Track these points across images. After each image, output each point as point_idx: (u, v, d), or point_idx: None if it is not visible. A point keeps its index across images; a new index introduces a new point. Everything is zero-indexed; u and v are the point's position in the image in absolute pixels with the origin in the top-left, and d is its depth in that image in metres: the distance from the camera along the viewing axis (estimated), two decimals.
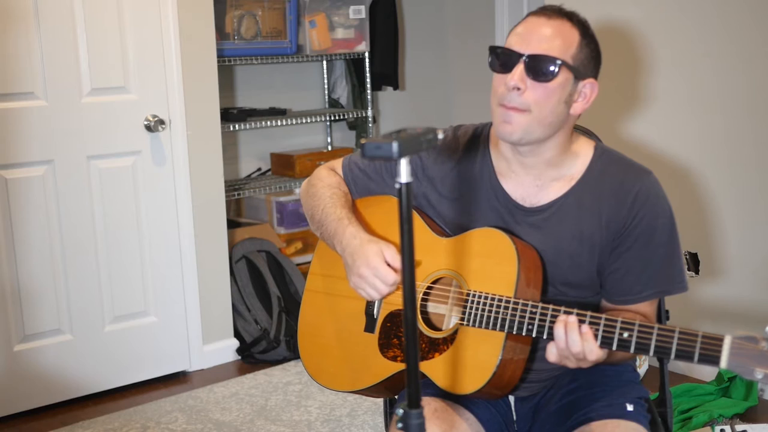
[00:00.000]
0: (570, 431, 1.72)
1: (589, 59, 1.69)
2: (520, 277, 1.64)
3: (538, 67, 1.63)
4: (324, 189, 1.90)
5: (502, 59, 1.67)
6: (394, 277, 1.70)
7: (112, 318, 3.42)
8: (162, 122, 3.41)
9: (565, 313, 1.56)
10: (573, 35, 1.66)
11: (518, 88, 1.64)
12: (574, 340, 1.52)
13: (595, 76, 1.71)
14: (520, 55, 1.64)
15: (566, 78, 1.65)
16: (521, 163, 1.74)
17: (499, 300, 1.63)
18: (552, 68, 1.63)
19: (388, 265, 1.71)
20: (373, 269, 1.71)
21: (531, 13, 1.71)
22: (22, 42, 3.10)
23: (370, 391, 1.85)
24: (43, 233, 3.22)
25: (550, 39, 1.64)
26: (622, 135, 3.39)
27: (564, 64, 1.64)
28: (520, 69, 1.64)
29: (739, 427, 2.74)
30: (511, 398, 1.86)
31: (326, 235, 1.86)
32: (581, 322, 1.54)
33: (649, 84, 3.33)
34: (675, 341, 1.45)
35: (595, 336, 1.52)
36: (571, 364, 1.57)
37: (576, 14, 1.70)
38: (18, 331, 3.21)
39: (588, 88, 1.69)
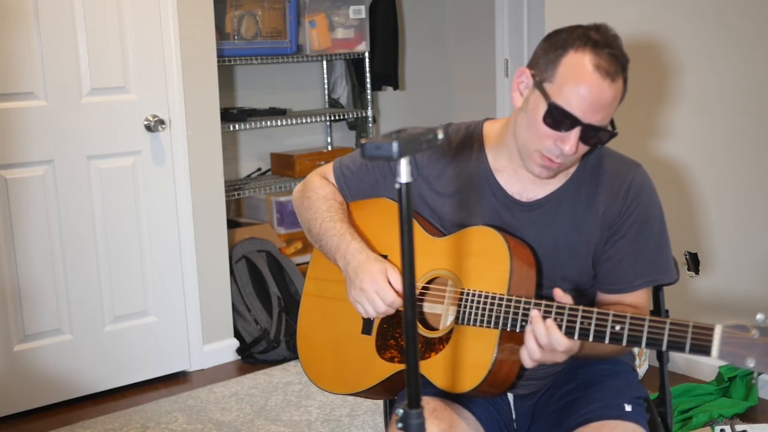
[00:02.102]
0: None
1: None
2: (512, 274, 1.65)
3: (593, 136, 1.63)
4: (320, 201, 1.90)
5: (558, 118, 1.62)
6: (393, 298, 1.72)
7: (112, 318, 3.42)
8: (162, 122, 3.41)
9: (559, 307, 1.56)
10: (621, 90, 1.65)
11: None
12: (540, 333, 1.54)
13: None
14: (579, 123, 1.61)
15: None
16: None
17: (492, 297, 1.65)
18: (605, 138, 1.66)
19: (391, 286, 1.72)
20: (376, 285, 1.72)
21: (594, 67, 1.60)
22: (22, 42, 3.10)
23: (369, 393, 1.86)
24: (43, 233, 3.22)
25: (609, 107, 1.62)
26: (623, 136, 3.38)
27: (612, 128, 1.66)
28: (575, 135, 1.62)
29: (739, 427, 2.74)
30: (511, 396, 1.86)
31: (326, 248, 1.86)
32: (565, 314, 1.55)
33: (649, 87, 3.33)
34: (666, 332, 1.46)
35: (586, 328, 1.52)
36: (551, 358, 1.57)
37: (626, 57, 1.65)
38: (18, 331, 3.21)
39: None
